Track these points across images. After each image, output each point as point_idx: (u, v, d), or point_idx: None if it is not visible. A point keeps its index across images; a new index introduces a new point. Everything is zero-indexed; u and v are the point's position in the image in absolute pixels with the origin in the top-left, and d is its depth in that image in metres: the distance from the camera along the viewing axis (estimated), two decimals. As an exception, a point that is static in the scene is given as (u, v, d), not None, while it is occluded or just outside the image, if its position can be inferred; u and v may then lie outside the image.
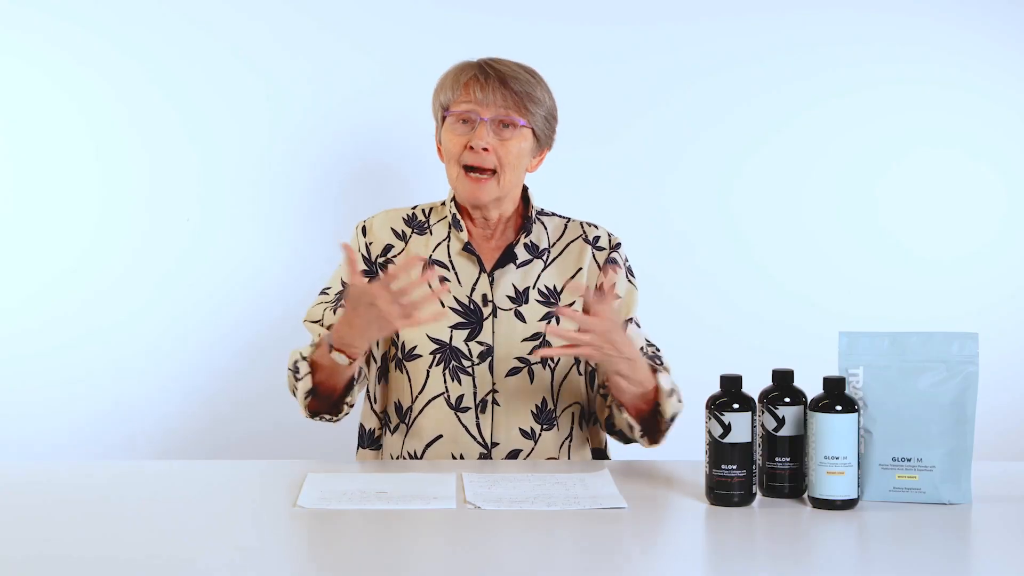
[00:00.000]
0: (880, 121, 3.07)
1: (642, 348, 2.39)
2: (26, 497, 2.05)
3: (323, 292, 2.45)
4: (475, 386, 2.37)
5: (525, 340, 2.38)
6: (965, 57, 3.07)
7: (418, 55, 2.98)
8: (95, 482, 2.15)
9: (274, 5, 2.99)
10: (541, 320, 2.39)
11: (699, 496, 2.01)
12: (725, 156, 3.08)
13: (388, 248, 2.45)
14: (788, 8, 3.06)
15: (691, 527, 1.91)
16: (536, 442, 2.38)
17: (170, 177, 3.00)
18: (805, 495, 2.00)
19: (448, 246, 2.44)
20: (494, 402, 2.37)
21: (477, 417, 2.37)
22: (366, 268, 2.44)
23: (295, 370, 2.31)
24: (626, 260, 2.49)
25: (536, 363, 2.38)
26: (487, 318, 2.39)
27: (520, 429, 2.38)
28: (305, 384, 2.29)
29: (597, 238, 2.47)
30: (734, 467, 1.96)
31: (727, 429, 1.96)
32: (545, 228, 2.48)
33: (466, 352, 2.37)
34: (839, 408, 1.94)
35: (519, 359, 2.37)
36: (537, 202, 2.50)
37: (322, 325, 2.39)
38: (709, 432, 1.98)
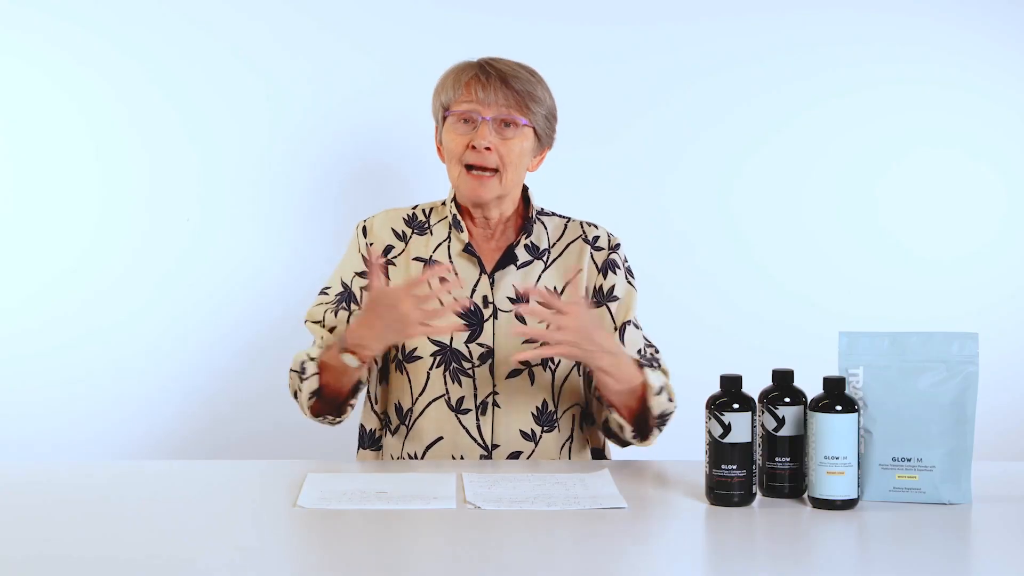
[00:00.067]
0: (880, 121, 3.07)
1: (640, 351, 2.39)
2: (26, 497, 2.05)
3: (323, 292, 2.45)
4: (475, 388, 2.37)
5: (526, 342, 2.37)
6: (965, 57, 3.07)
7: (418, 55, 2.98)
8: (95, 482, 2.15)
9: (274, 5, 2.99)
10: (541, 322, 2.38)
11: (699, 496, 2.01)
12: (725, 156, 3.08)
13: (388, 249, 2.45)
14: (788, 8, 3.06)
15: (691, 527, 1.91)
16: (537, 444, 2.38)
17: (170, 177, 3.00)
18: (805, 495, 2.00)
19: (448, 247, 2.44)
20: (495, 404, 2.37)
21: (478, 419, 2.37)
22: (367, 269, 2.43)
23: (301, 371, 2.31)
24: (625, 260, 2.48)
25: (536, 364, 2.38)
26: (487, 320, 2.38)
27: (521, 431, 2.37)
28: (311, 384, 2.29)
29: (597, 238, 2.47)
30: (734, 467, 1.96)
31: (727, 429, 1.96)
32: (545, 228, 2.48)
33: (466, 354, 2.37)
34: (839, 408, 1.94)
35: (520, 361, 2.37)
36: (537, 202, 2.50)
37: (323, 326, 2.39)
38: (709, 432, 1.98)
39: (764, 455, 2.01)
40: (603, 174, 3.05)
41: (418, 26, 3.00)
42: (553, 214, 2.51)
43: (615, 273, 2.44)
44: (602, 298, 2.43)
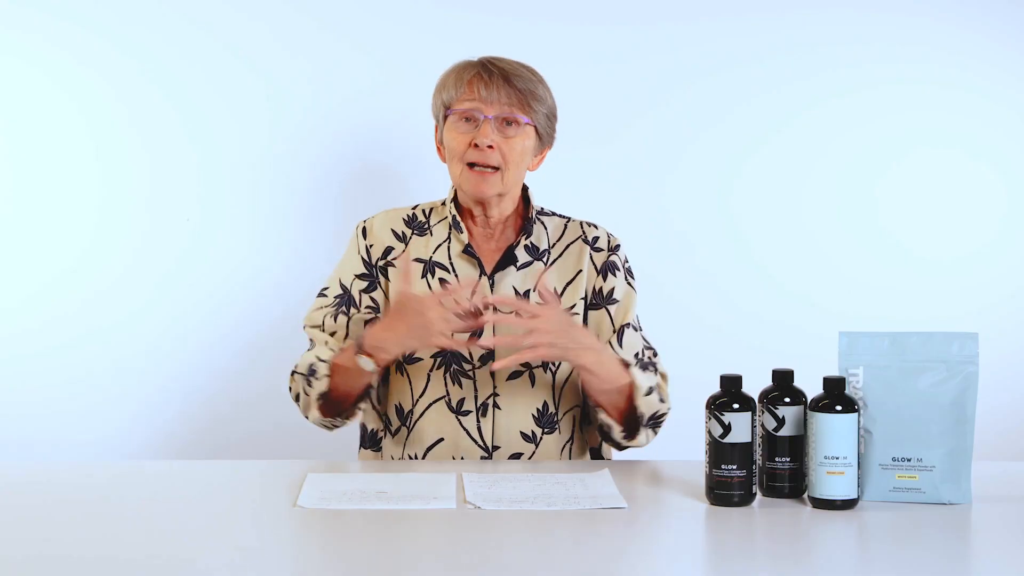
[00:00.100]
0: (880, 121, 3.07)
1: (637, 354, 2.39)
2: (26, 497, 2.05)
3: (321, 294, 2.44)
4: (476, 389, 2.37)
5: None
6: (965, 57, 3.07)
7: (418, 55, 2.98)
8: (95, 482, 2.15)
9: (274, 5, 2.99)
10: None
11: (699, 496, 2.01)
12: (725, 156, 3.08)
13: (388, 250, 2.45)
14: (788, 8, 3.06)
15: (691, 527, 1.91)
16: (537, 445, 2.38)
17: (170, 177, 3.00)
18: (805, 495, 2.00)
19: (448, 248, 2.44)
20: (495, 405, 2.37)
21: (478, 420, 2.37)
22: (366, 272, 2.43)
23: (310, 372, 2.32)
24: (625, 261, 2.48)
25: (537, 366, 2.37)
26: (487, 322, 2.38)
27: (521, 432, 2.37)
28: (321, 386, 2.30)
29: (596, 239, 2.47)
30: (734, 467, 1.96)
31: (727, 429, 1.96)
32: (545, 228, 2.47)
33: (467, 355, 2.37)
34: (839, 408, 1.94)
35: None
36: (537, 202, 2.50)
37: (323, 330, 2.39)
38: (709, 432, 1.98)
39: (764, 455, 2.01)
40: (603, 174, 3.05)
41: (418, 26, 3.00)
42: (553, 214, 2.51)
43: (615, 275, 2.44)
44: (601, 301, 2.43)
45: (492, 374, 2.36)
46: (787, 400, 2.00)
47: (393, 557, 1.75)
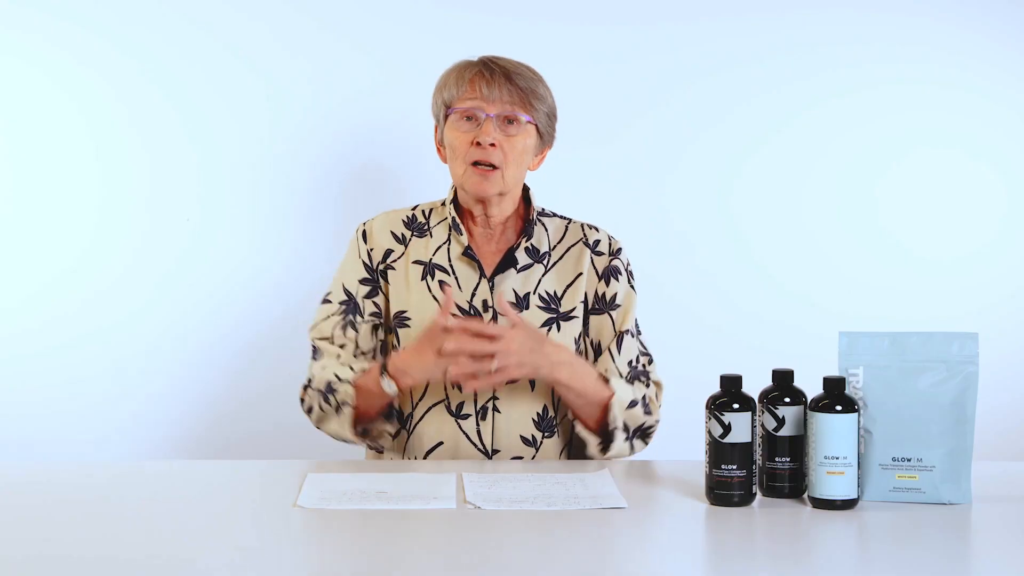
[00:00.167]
0: (880, 121, 3.07)
1: (631, 362, 2.39)
2: (26, 497, 2.05)
3: (325, 300, 2.45)
4: (475, 393, 2.36)
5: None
6: (965, 57, 3.07)
7: (418, 55, 2.98)
8: (95, 482, 2.15)
9: (274, 5, 2.99)
10: (542, 327, 2.39)
11: (699, 496, 2.01)
12: (725, 156, 3.08)
13: (388, 253, 2.44)
14: (788, 8, 3.06)
15: (691, 527, 1.91)
16: (537, 449, 2.38)
17: (170, 177, 3.00)
18: (805, 495, 1.99)
19: (448, 250, 2.43)
20: (495, 409, 2.37)
21: (478, 424, 2.36)
22: (368, 276, 2.43)
23: (328, 390, 2.33)
24: (628, 265, 2.48)
25: None
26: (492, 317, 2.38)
27: (521, 436, 2.37)
28: (348, 412, 2.31)
29: (597, 242, 2.46)
30: (734, 467, 1.96)
31: (727, 429, 1.96)
32: (546, 229, 2.47)
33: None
34: (839, 408, 1.94)
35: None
36: (537, 202, 2.49)
37: (332, 343, 2.40)
38: (709, 432, 1.98)
39: (764, 455, 2.01)
40: (603, 174, 3.05)
41: (418, 26, 3.00)
42: (554, 215, 2.51)
43: (617, 280, 2.44)
44: (604, 306, 2.43)
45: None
46: (787, 400, 2.00)
47: (393, 557, 1.75)
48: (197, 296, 3.01)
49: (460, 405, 2.36)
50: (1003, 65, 3.07)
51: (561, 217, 2.50)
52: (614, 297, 2.43)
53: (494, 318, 2.38)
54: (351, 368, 2.34)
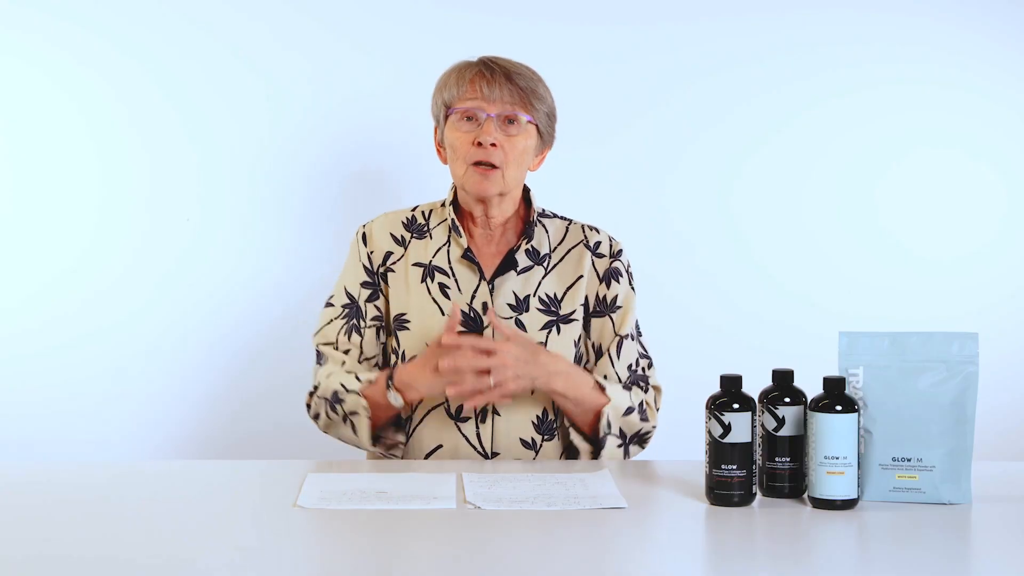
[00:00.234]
0: (880, 121, 3.07)
1: (630, 366, 2.40)
2: (26, 497, 2.05)
3: (328, 304, 2.45)
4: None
5: None
6: (965, 57, 3.07)
7: (418, 55, 2.98)
8: (95, 482, 2.15)
9: (274, 5, 2.99)
10: (542, 329, 2.39)
11: (699, 496, 2.01)
12: (725, 156, 3.08)
13: (388, 255, 2.44)
14: (788, 8, 3.06)
15: (691, 527, 1.91)
16: (537, 452, 2.38)
17: (170, 177, 3.00)
18: (805, 495, 1.99)
19: (448, 251, 2.43)
20: (494, 411, 2.36)
21: (477, 427, 2.36)
22: (369, 280, 2.43)
23: (334, 399, 2.34)
24: (628, 266, 2.48)
25: None
26: (487, 326, 2.38)
27: (521, 439, 2.37)
28: (365, 425, 2.32)
29: (598, 244, 2.46)
30: (734, 467, 1.95)
31: (727, 429, 1.96)
32: (546, 231, 2.47)
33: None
34: (839, 408, 1.94)
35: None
36: (538, 202, 2.49)
37: (336, 348, 2.40)
38: (709, 432, 1.98)
39: (764, 455, 2.01)
40: (603, 174, 3.05)
41: (418, 26, 3.00)
42: (554, 216, 2.50)
43: (618, 282, 2.44)
44: (605, 308, 2.43)
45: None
46: (787, 400, 2.00)
47: (393, 557, 1.75)
48: (197, 296, 3.01)
49: (460, 408, 2.36)
50: (1003, 65, 3.07)
51: (562, 218, 2.50)
52: (615, 299, 2.43)
53: (494, 320, 2.38)
54: (357, 378, 2.34)
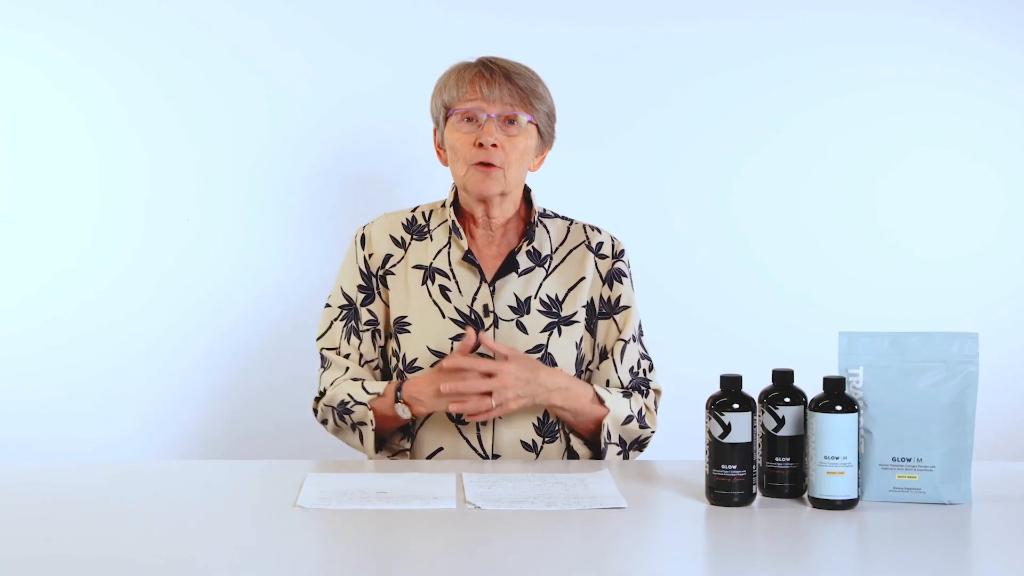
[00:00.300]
0: (880, 121, 3.07)
1: (632, 368, 2.40)
2: (26, 497, 2.05)
3: (327, 306, 2.45)
4: None
5: (527, 352, 2.37)
6: (965, 57, 3.07)
7: (418, 55, 2.98)
8: (95, 482, 2.15)
9: (274, 5, 2.99)
10: (543, 331, 2.39)
11: (699, 496, 2.01)
12: (725, 156, 3.08)
13: (387, 258, 2.44)
14: (788, 8, 3.06)
15: (691, 527, 1.91)
16: (538, 454, 2.37)
17: (170, 177, 3.00)
18: (805, 495, 1.99)
19: (448, 253, 2.43)
20: None
21: (478, 430, 2.36)
22: (364, 284, 2.43)
23: (342, 409, 2.35)
24: (630, 266, 2.48)
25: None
26: (488, 329, 2.38)
27: (522, 441, 2.37)
28: (370, 434, 2.35)
29: (600, 244, 2.46)
30: (734, 467, 1.95)
31: (727, 429, 1.96)
32: (547, 232, 2.46)
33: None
34: (839, 408, 1.94)
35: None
36: (538, 202, 2.49)
37: (339, 354, 2.41)
38: (709, 432, 1.97)
39: (764, 455, 2.01)
40: (603, 174, 3.05)
41: (418, 26, 3.00)
42: (555, 216, 2.50)
43: (620, 283, 2.44)
44: (609, 309, 2.43)
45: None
46: (787, 400, 2.00)
47: (393, 557, 1.75)
48: (197, 296, 3.01)
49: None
50: (1003, 65, 3.07)
51: (563, 218, 2.50)
52: (618, 300, 2.43)
53: (495, 323, 2.38)
54: (364, 388, 2.35)
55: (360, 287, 2.43)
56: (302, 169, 3.02)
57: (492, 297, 2.39)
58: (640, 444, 2.38)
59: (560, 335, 2.39)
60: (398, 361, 2.40)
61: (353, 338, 2.41)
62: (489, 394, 2.27)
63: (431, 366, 2.36)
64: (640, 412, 2.37)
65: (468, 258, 2.41)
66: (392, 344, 2.42)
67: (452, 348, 2.36)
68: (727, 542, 1.86)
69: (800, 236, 3.08)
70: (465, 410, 2.27)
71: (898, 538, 1.83)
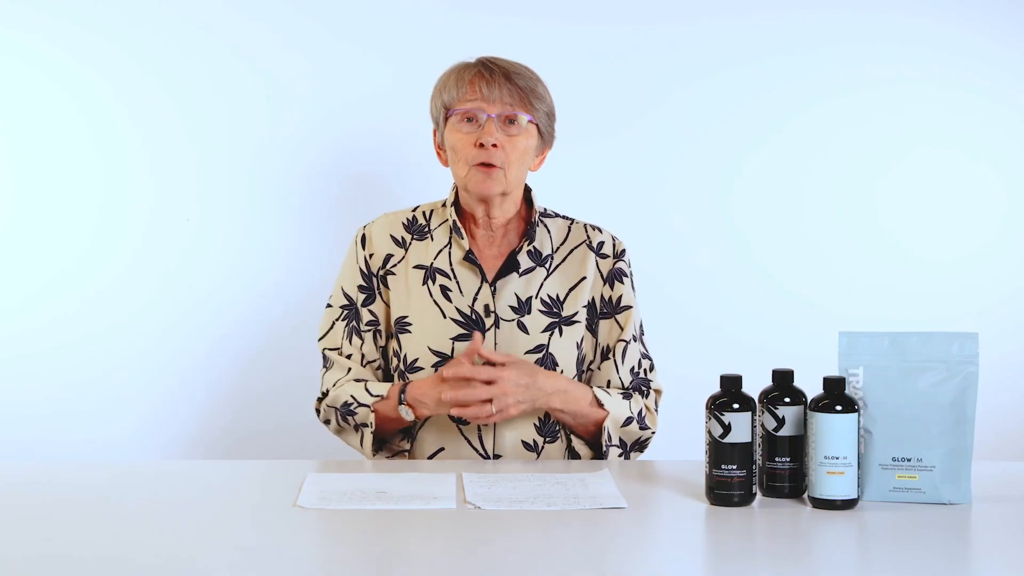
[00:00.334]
0: (880, 121, 3.07)
1: (632, 368, 2.40)
2: (26, 497, 2.05)
3: (329, 306, 2.45)
4: None
5: (528, 352, 2.37)
6: (965, 57, 3.07)
7: (418, 55, 2.98)
8: (95, 482, 2.15)
9: (274, 5, 2.99)
10: (544, 331, 2.39)
11: (699, 496, 2.01)
12: (725, 156, 3.08)
13: (388, 258, 2.44)
14: (788, 8, 3.06)
15: (691, 527, 1.91)
16: (539, 454, 2.38)
17: (170, 177, 3.00)
18: (805, 495, 1.99)
19: (449, 253, 2.43)
20: None
21: (479, 430, 2.36)
22: (364, 284, 2.43)
23: (345, 411, 2.35)
24: (631, 266, 2.48)
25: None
26: (489, 329, 2.38)
27: (523, 441, 2.37)
28: (369, 435, 2.35)
29: (601, 244, 2.46)
30: (734, 467, 1.95)
31: (727, 429, 1.96)
32: (548, 231, 2.46)
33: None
34: (839, 408, 1.94)
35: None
36: (538, 202, 2.49)
37: (341, 354, 2.41)
38: (709, 432, 1.98)
39: (764, 455, 2.01)
40: (603, 174, 3.05)
41: (418, 26, 3.00)
42: (556, 215, 2.50)
43: (622, 283, 2.44)
44: (611, 309, 2.43)
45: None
46: (787, 400, 2.00)
47: (393, 557, 1.75)
48: (197, 296, 3.01)
49: None
50: (1003, 65, 3.07)
51: (564, 217, 2.50)
52: (619, 300, 2.43)
53: (496, 323, 2.38)
54: (368, 390, 2.36)
55: (361, 287, 2.43)
56: (302, 169, 3.02)
57: (493, 297, 2.39)
58: (641, 445, 2.39)
59: (561, 335, 2.39)
60: (399, 361, 2.40)
61: (355, 338, 2.41)
62: (490, 400, 2.27)
63: (432, 366, 2.36)
64: (640, 413, 2.37)
65: (469, 258, 2.41)
66: (393, 344, 2.42)
67: (453, 348, 2.36)
68: (727, 542, 1.86)
69: (800, 236, 3.08)
70: (466, 415, 2.27)
71: (898, 538, 1.83)
